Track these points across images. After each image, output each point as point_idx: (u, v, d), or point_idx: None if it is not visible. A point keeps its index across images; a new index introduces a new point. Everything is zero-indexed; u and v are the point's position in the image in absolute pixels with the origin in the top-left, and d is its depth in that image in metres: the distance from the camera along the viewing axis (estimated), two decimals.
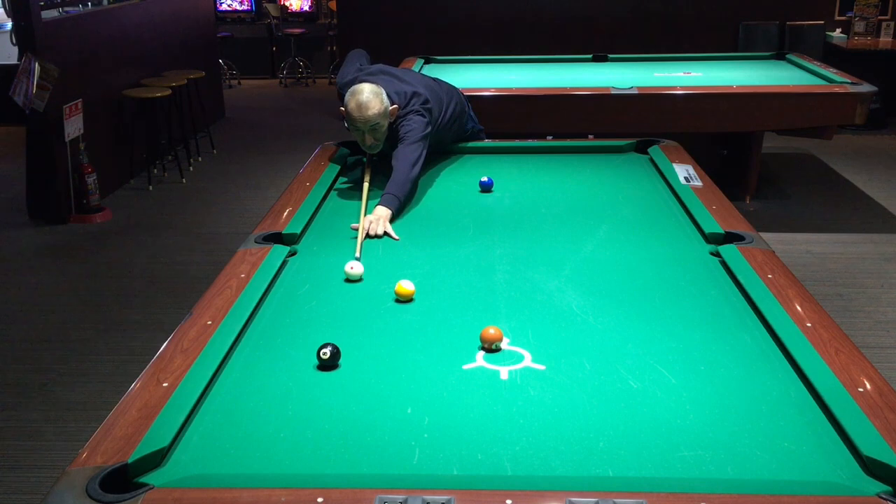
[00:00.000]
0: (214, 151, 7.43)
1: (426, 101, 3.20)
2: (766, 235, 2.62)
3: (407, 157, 2.99)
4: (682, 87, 5.08)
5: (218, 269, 2.35)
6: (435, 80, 3.58)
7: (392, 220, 2.76)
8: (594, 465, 1.50)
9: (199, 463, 1.50)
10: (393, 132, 3.12)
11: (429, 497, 1.36)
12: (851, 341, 1.88)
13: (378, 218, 2.71)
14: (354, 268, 2.30)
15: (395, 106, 3.08)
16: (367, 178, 3.06)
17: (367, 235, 2.65)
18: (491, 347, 1.89)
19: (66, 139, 5.54)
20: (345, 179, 3.30)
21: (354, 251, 2.47)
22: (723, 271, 2.33)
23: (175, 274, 4.78)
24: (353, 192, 3.12)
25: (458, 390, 1.75)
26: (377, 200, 2.82)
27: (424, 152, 3.07)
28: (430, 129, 3.16)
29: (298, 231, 2.63)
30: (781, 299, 2.07)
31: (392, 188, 2.87)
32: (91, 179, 5.66)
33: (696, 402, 1.69)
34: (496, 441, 1.56)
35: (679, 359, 1.87)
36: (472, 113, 3.78)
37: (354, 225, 2.68)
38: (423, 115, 3.14)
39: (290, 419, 1.64)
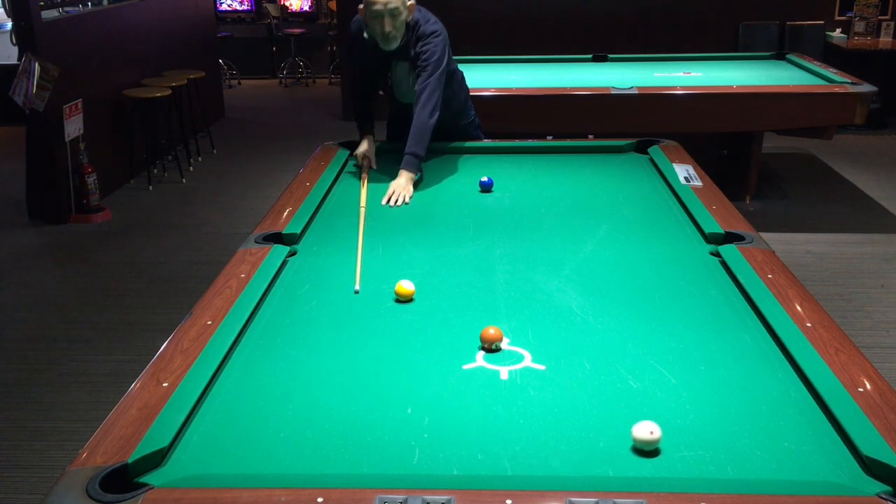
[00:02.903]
0: (214, 151, 7.44)
1: (445, 36, 3.29)
2: (766, 235, 2.62)
3: (424, 107, 3.18)
4: (682, 87, 5.08)
5: (218, 269, 2.35)
6: None
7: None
8: (594, 465, 1.50)
9: (199, 463, 1.50)
10: (412, 56, 3.26)
11: (429, 497, 1.36)
12: (851, 341, 1.88)
13: (406, 183, 3.02)
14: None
15: (412, 2, 3.20)
16: (364, 187, 3.09)
17: (395, 203, 2.95)
18: (491, 347, 1.89)
19: (66, 139, 5.54)
20: (345, 180, 3.29)
21: (356, 251, 2.48)
22: (723, 271, 2.33)
23: (175, 274, 4.78)
24: (353, 192, 3.12)
25: (458, 390, 1.75)
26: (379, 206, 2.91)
27: (440, 94, 3.23)
28: (447, 61, 3.27)
29: (298, 231, 2.63)
30: (781, 299, 2.07)
31: (413, 146, 3.13)
32: (91, 179, 5.66)
33: (696, 402, 1.69)
34: (496, 441, 1.56)
35: (679, 359, 1.87)
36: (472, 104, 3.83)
37: (384, 200, 2.97)
38: (440, 38, 3.24)
39: (290, 419, 1.64)
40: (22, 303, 4.45)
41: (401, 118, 3.51)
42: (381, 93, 3.66)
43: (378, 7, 3.09)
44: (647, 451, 1.52)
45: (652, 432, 1.51)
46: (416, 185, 3.08)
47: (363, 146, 3.41)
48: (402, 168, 3.07)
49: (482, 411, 1.67)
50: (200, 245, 5.23)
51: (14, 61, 5.88)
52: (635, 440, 1.52)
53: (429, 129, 3.16)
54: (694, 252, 2.49)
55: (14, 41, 5.69)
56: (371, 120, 3.53)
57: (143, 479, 1.43)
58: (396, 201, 2.96)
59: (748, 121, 5.09)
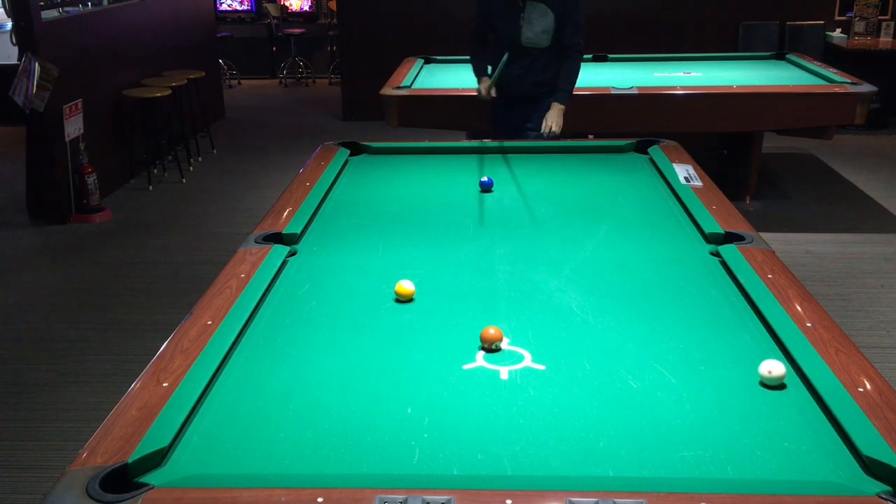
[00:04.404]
0: (214, 151, 7.43)
1: None
2: (766, 235, 2.63)
3: (577, 57, 4.02)
4: (682, 87, 5.07)
5: (218, 269, 2.35)
6: None
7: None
8: (594, 465, 1.50)
9: (199, 463, 1.50)
10: (554, 2, 3.89)
11: (429, 497, 1.36)
12: (851, 341, 1.88)
13: (558, 113, 3.93)
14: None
15: None
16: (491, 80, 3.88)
17: (552, 132, 3.88)
18: (491, 347, 1.89)
19: (66, 139, 5.54)
20: (345, 179, 3.29)
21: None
22: (723, 271, 2.34)
23: (175, 274, 4.78)
24: (353, 191, 3.12)
25: (458, 390, 1.75)
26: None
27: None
28: None
29: (298, 231, 2.63)
30: (781, 299, 2.07)
31: (566, 85, 3.99)
32: (91, 179, 5.66)
33: (696, 402, 1.69)
34: (496, 441, 1.56)
35: (679, 359, 1.87)
36: None
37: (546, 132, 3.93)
38: None
39: (290, 419, 1.64)
40: (22, 303, 4.45)
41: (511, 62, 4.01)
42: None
43: None
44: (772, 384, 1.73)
45: (770, 371, 1.73)
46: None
47: (482, 83, 4.06)
48: (554, 100, 3.95)
49: (482, 411, 1.67)
50: (200, 245, 5.23)
51: (14, 61, 5.88)
52: (767, 377, 1.73)
53: (577, 74, 4.02)
54: (694, 252, 2.49)
55: (14, 41, 5.68)
56: (486, 66, 4.16)
57: (144, 479, 1.44)
58: (553, 130, 3.87)
59: (748, 121, 5.09)
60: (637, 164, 3.45)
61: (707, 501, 1.36)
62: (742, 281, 2.21)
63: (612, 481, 1.44)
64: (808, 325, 1.94)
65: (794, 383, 1.76)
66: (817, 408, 1.66)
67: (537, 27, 3.97)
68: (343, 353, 1.92)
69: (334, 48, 10.56)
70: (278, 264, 2.37)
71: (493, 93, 4.02)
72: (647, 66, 5.98)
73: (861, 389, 1.66)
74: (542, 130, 3.94)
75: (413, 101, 4.92)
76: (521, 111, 4.18)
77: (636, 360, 1.86)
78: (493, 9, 4.06)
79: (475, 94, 4.13)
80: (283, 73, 10.79)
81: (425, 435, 1.58)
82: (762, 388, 1.74)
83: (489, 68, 4.16)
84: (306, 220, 2.74)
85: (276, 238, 2.55)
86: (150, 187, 6.39)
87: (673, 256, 2.48)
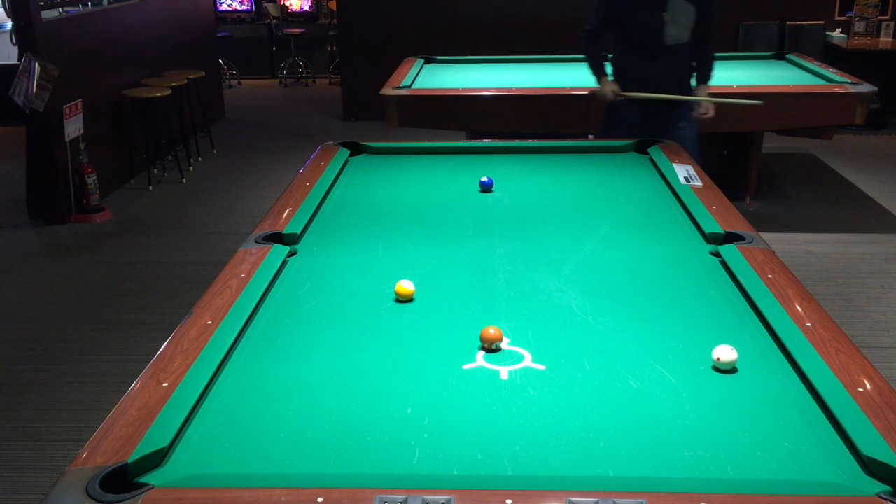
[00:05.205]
0: (214, 151, 7.44)
1: None
2: (766, 235, 2.62)
3: (712, 46, 4.11)
4: None
5: (218, 269, 2.35)
6: None
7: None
8: (594, 465, 1.50)
9: (199, 463, 1.50)
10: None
11: (429, 497, 1.36)
12: (851, 341, 1.88)
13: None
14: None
15: None
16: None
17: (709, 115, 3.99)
18: (491, 347, 1.89)
19: (66, 139, 5.54)
20: (345, 179, 3.29)
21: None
22: (723, 271, 2.34)
23: (175, 274, 4.78)
24: (353, 191, 3.12)
25: (458, 390, 1.75)
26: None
27: None
28: None
29: (298, 231, 2.63)
30: (781, 299, 2.07)
31: (708, 74, 4.09)
32: (91, 179, 5.66)
33: (696, 402, 1.69)
34: (496, 441, 1.56)
35: (679, 359, 1.87)
36: None
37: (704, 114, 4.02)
38: None
39: (290, 419, 1.64)
40: (22, 303, 4.45)
41: (640, 63, 4.06)
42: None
43: None
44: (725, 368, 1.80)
45: (719, 357, 1.80)
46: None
47: (606, 85, 4.08)
48: (703, 83, 4.08)
49: (482, 411, 1.66)
50: (200, 245, 5.23)
51: (14, 61, 5.88)
52: (721, 362, 1.80)
53: (714, 62, 4.13)
54: (694, 252, 2.49)
55: (14, 41, 5.68)
56: (605, 65, 4.16)
57: (144, 479, 1.43)
58: (709, 113, 4.00)
59: (748, 121, 5.09)
60: (637, 164, 3.45)
61: (707, 501, 1.36)
62: (742, 281, 2.21)
63: (612, 481, 1.44)
64: (808, 325, 1.94)
65: (794, 383, 1.76)
66: (817, 408, 1.66)
67: (680, 22, 3.92)
68: (343, 353, 1.92)
69: (334, 48, 10.56)
70: (278, 264, 2.37)
71: (619, 92, 4.03)
72: None
73: (861, 389, 1.66)
74: (701, 112, 4.01)
75: (413, 101, 4.92)
76: (653, 111, 4.01)
77: (636, 360, 1.86)
78: (626, 9, 3.96)
79: (587, 92, 4.21)
80: (283, 73, 10.79)
81: (425, 435, 1.58)
82: (762, 388, 1.74)
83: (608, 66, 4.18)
84: (306, 220, 2.74)
85: (276, 238, 2.55)
86: (150, 187, 6.39)
87: (673, 256, 2.48)
